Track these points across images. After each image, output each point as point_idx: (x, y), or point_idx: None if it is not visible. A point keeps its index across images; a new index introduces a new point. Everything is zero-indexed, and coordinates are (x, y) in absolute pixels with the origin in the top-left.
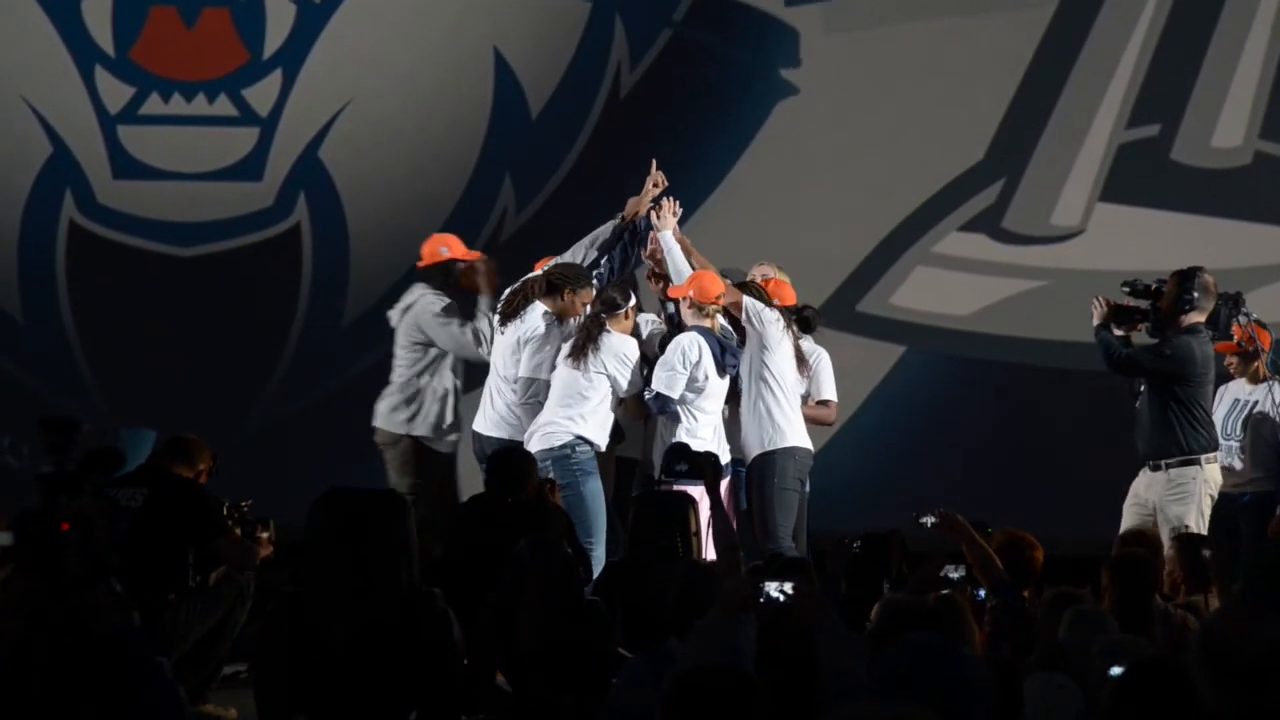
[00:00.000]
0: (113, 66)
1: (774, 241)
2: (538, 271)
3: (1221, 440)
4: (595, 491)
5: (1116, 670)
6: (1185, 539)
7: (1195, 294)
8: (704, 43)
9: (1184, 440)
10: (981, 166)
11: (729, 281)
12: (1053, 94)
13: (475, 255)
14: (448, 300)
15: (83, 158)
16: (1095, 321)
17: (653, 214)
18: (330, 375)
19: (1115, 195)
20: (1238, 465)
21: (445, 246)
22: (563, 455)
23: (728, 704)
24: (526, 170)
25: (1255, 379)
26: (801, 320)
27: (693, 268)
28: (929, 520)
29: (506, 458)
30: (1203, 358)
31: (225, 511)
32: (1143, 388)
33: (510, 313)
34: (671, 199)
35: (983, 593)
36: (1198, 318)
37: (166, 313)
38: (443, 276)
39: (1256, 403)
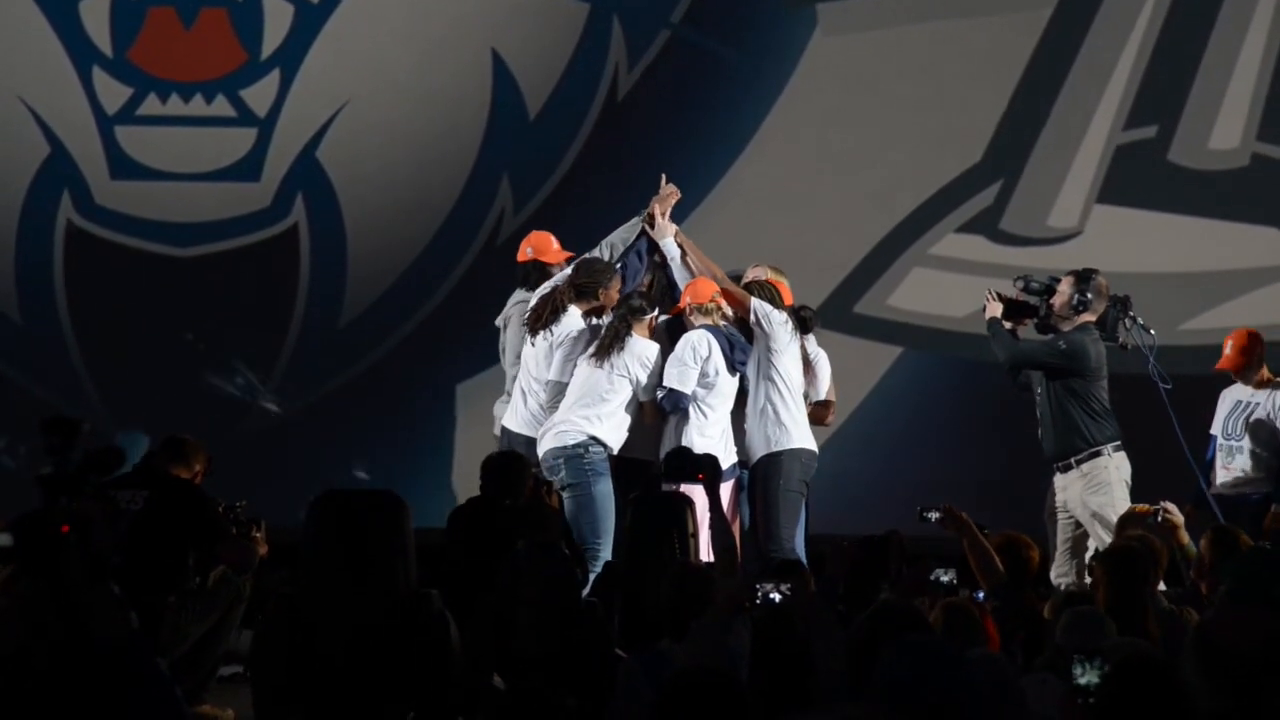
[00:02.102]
0: (110, 67)
1: (771, 243)
2: (565, 272)
3: (1222, 440)
4: (606, 493)
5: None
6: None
7: (1089, 295)
8: (702, 44)
9: (1088, 434)
10: (979, 168)
11: (729, 281)
12: (1050, 96)
13: (561, 258)
14: (523, 298)
15: (80, 158)
16: (988, 314)
17: (648, 227)
18: (328, 376)
19: (1113, 197)
20: (1238, 466)
21: (531, 247)
22: (575, 454)
23: (718, 706)
24: (524, 171)
25: (1259, 383)
26: (799, 321)
27: (693, 272)
28: (933, 515)
29: (502, 461)
30: (1096, 354)
31: (220, 512)
32: (1039, 387)
33: (540, 324)
34: (662, 212)
35: (981, 594)
36: (1089, 318)
37: (164, 313)
38: (524, 277)
39: (1258, 404)
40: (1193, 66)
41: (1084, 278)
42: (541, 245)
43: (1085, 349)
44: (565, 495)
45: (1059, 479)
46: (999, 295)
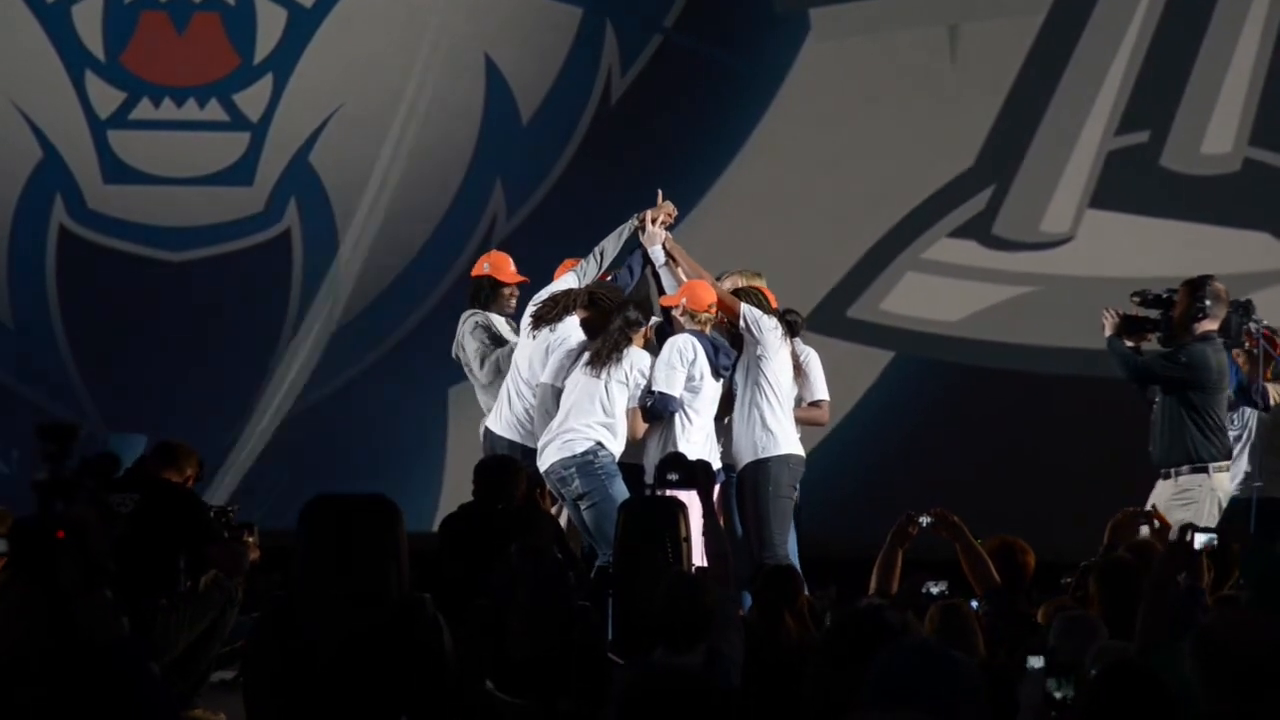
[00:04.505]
0: (103, 71)
1: (764, 247)
2: (567, 274)
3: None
4: (623, 493)
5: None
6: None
7: (1207, 302)
8: (694, 49)
9: (1194, 449)
10: (972, 173)
11: (720, 286)
12: (1042, 101)
13: (516, 280)
14: (480, 316)
15: (73, 163)
16: (1107, 332)
17: (639, 233)
18: (320, 381)
19: (1105, 202)
20: (1238, 468)
21: (489, 263)
22: (586, 461)
23: (683, 709)
24: (517, 175)
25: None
26: (786, 325)
27: (684, 278)
28: (925, 519)
29: (494, 465)
30: (1218, 365)
31: (212, 516)
32: (1158, 396)
33: (546, 319)
34: (653, 219)
35: (975, 603)
36: (1210, 325)
37: (156, 318)
38: (475, 293)
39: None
40: (1185, 72)
41: (1199, 285)
42: (499, 263)
43: (1206, 360)
44: (582, 505)
45: (1160, 484)
46: (1117, 312)
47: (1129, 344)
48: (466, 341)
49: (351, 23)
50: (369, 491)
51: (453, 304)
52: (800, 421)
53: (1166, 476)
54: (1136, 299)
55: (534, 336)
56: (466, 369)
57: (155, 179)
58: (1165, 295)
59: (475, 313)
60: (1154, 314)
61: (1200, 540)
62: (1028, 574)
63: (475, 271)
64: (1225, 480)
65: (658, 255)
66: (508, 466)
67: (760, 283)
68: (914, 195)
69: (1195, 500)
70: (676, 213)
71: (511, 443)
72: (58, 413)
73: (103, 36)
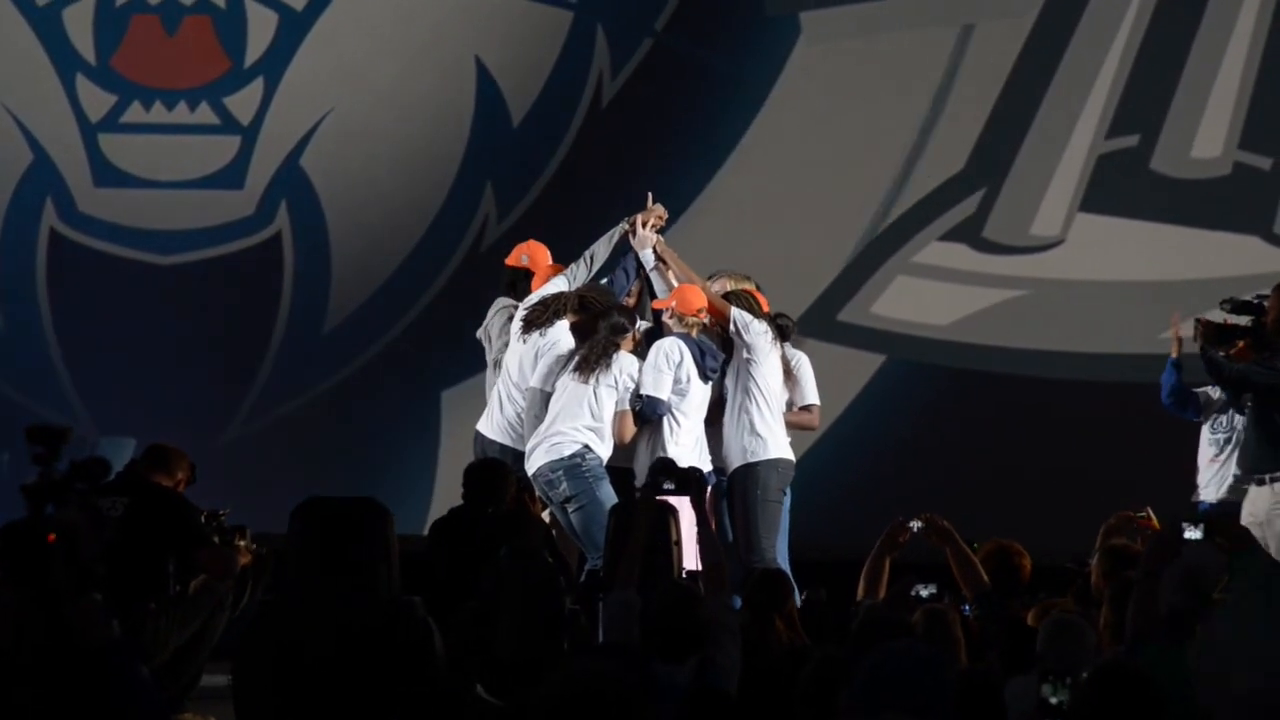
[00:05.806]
0: (94, 74)
1: (754, 250)
2: (558, 277)
3: (1210, 436)
4: (610, 496)
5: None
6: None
7: None
8: (685, 52)
9: None
10: (962, 176)
11: (711, 289)
12: (1033, 104)
13: (554, 271)
14: (514, 308)
15: (64, 166)
16: (1199, 343)
17: (629, 236)
18: (311, 384)
19: (1095, 205)
20: (1235, 471)
21: (527, 254)
22: (573, 464)
23: (603, 711)
24: (508, 178)
25: None
26: (776, 329)
27: (674, 282)
28: (915, 525)
29: (484, 469)
30: None
31: (203, 520)
32: (1248, 404)
33: (536, 323)
34: (644, 222)
35: (968, 607)
36: None
37: (147, 321)
38: (511, 283)
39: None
40: (1175, 75)
41: None
42: (538, 257)
43: None
44: (569, 508)
45: (1253, 490)
46: (1206, 322)
47: (1220, 353)
48: (493, 330)
49: (342, 25)
50: (360, 494)
51: (444, 306)
52: (791, 426)
53: (1261, 483)
54: (1226, 306)
55: (524, 340)
56: (492, 361)
57: (146, 182)
58: (1255, 301)
59: (509, 304)
60: (1242, 321)
61: (1190, 533)
62: (1023, 577)
63: (511, 261)
64: None
65: (648, 259)
66: (497, 470)
67: (750, 286)
68: (904, 198)
69: None
70: (667, 216)
71: (503, 446)
72: (48, 416)
73: (93, 39)
